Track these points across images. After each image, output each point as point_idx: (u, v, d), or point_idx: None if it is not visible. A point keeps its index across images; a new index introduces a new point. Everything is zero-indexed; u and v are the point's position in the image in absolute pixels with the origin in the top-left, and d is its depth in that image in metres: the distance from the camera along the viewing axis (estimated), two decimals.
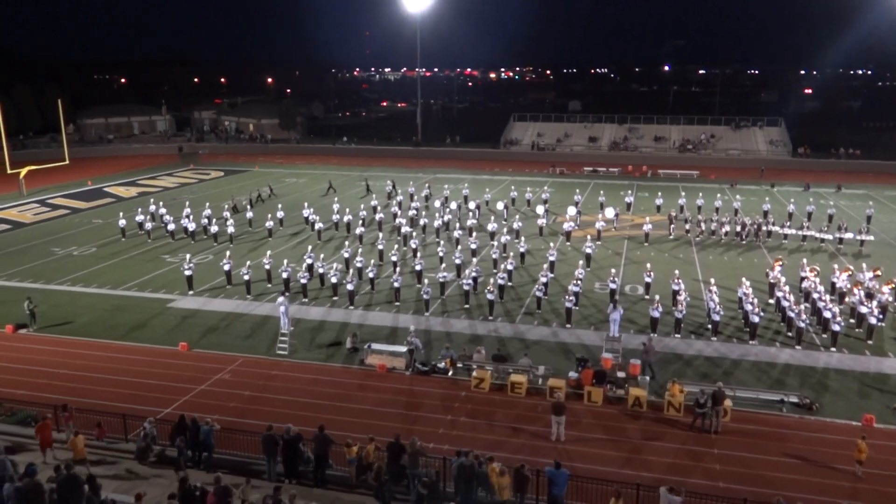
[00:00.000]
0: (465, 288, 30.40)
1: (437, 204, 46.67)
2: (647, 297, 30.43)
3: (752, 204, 50.14)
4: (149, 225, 42.53)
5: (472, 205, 46.98)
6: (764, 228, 41.22)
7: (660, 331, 26.81)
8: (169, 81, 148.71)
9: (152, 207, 45.52)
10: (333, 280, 30.99)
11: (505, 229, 39.78)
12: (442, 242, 37.20)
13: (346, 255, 34.64)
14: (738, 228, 41.38)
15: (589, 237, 37.48)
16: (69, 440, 17.82)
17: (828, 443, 19.43)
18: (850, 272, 32.11)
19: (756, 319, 26.25)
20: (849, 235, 38.94)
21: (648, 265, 32.35)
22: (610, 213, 43.79)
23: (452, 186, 55.18)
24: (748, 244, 40.21)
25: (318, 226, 41.82)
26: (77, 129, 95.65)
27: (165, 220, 43.31)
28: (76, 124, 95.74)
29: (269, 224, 42.63)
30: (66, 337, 27.06)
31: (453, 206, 46.75)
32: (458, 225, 41.47)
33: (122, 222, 42.63)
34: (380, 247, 36.53)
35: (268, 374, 23.76)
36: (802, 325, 25.83)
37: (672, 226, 42.72)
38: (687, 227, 42.81)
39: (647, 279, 31.06)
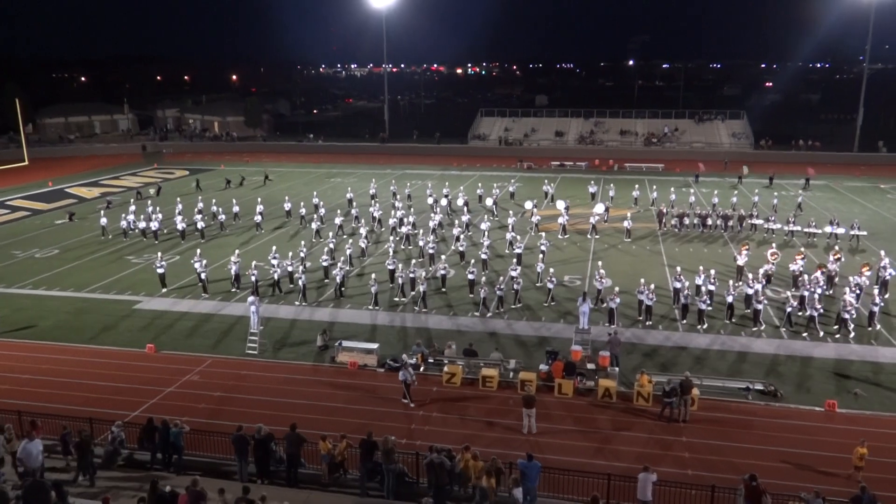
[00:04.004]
0: (441, 272, 30.27)
1: (431, 201, 46.85)
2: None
3: (718, 196, 50.59)
4: (123, 223, 42.03)
5: (459, 201, 47.23)
6: (748, 222, 41.67)
7: (628, 321, 27.25)
8: (131, 79, 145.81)
9: (132, 208, 44.97)
10: (335, 274, 30.90)
11: (484, 225, 39.92)
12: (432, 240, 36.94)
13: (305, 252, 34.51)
14: (720, 222, 41.87)
15: (543, 234, 37.84)
16: None
17: (792, 428, 19.88)
18: (803, 255, 32.87)
19: (759, 307, 26.92)
20: (841, 231, 38.88)
21: (600, 263, 32.74)
22: (600, 208, 44.22)
23: (433, 183, 55.17)
24: (730, 237, 40.48)
25: (314, 225, 41.15)
26: (36, 128, 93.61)
27: (130, 218, 42.66)
28: (35, 124, 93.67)
29: (258, 218, 43.44)
30: (30, 341, 26.50)
31: (444, 202, 46.86)
32: (456, 223, 41.10)
33: (104, 220, 42.43)
34: (362, 243, 37.08)
35: (238, 375, 23.55)
36: (796, 310, 26.53)
37: (672, 220, 42.79)
38: (674, 221, 42.86)
39: (599, 283, 29.86)
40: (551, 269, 30.87)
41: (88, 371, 23.90)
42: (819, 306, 26.56)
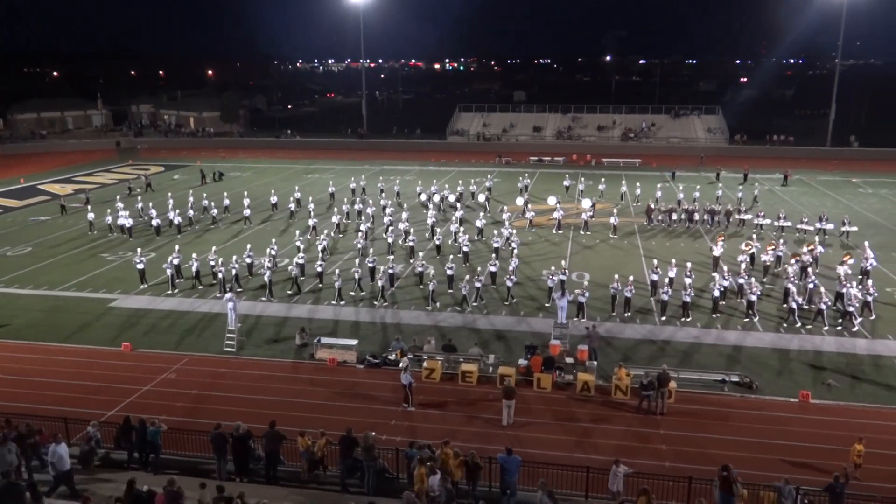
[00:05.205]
0: (419, 269, 30.55)
1: (424, 198, 46.81)
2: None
3: (683, 192, 50.90)
4: (108, 219, 41.54)
5: (451, 198, 47.11)
6: (735, 217, 41.94)
7: (605, 315, 27.44)
8: (105, 74, 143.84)
9: (120, 204, 44.25)
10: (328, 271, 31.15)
11: (479, 222, 40.08)
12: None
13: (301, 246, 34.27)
14: (706, 216, 42.12)
15: (514, 231, 37.95)
16: None
17: (768, 419, 20.16)
18: (774, 246, 33.34)
19: (753, 298, 27.32)
20: (830, 226, 38.97)
21: (563, 262, 32.76)
22: (587, 203, 44.40)
23: (421, 180, 55.11)
24: (716, 231, 40.24)
25: (311, 221, 40.64)
26: (7, 124, 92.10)
27: (123, 214, 42.23)
28: (6, 119, 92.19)
29: (247, 212, 43.57)
30: (2, 340, 26.08)
31: (437, 198, 46.74)
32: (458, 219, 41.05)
33: (91, 215, 42.22)
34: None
35: (215, 372, 23.37)
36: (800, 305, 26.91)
37: (659, 216, 42.85)
38: (661, 217, 42.93)
39: (551, 281, 29.80)
40: (511, 267, 30.87)
41: (63, 370, 23.58)
42: (827, 299, 26.95)
